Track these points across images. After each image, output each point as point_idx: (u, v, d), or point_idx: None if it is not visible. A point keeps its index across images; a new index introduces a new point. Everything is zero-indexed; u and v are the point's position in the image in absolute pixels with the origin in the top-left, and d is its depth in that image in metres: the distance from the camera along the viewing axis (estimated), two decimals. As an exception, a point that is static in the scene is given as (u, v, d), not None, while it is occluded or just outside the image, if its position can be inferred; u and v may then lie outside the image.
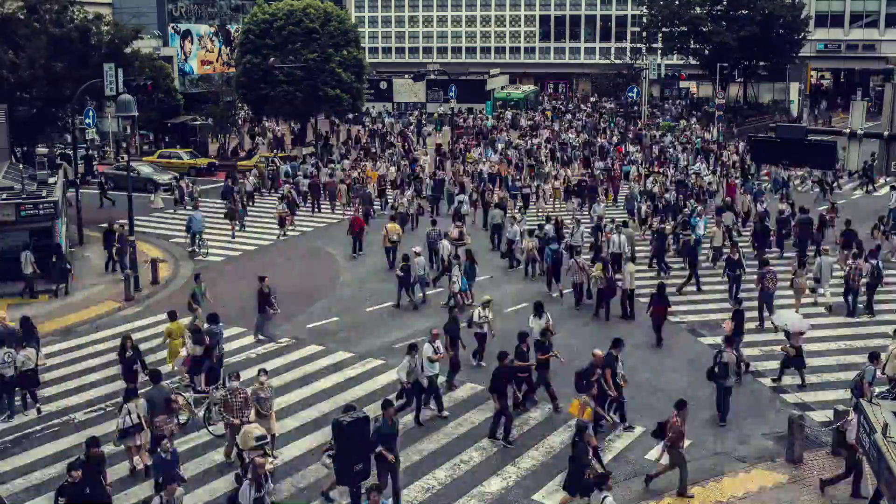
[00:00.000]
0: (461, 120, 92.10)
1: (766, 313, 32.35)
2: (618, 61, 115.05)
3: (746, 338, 31.11)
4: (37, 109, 52.16)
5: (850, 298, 34.14)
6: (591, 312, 34.28)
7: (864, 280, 34.17)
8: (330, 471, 19.46)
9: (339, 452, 16.96)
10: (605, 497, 17.65)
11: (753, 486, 21.27)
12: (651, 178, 57.02)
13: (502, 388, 23.76)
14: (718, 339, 30.98)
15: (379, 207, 53.84)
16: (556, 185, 55.71)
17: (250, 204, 54.32)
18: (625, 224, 40.72)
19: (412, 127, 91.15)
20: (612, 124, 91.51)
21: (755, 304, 32.96)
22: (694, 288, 37.44)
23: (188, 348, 27.01)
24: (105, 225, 42.72)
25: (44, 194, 39.20)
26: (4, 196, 38.52)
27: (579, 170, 65.12)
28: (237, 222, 48.84)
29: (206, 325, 27.60)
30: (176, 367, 27.60)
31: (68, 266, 37.61)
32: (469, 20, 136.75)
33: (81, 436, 23.97)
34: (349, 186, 55.66)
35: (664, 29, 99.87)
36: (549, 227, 40.05)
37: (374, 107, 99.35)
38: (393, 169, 61.33)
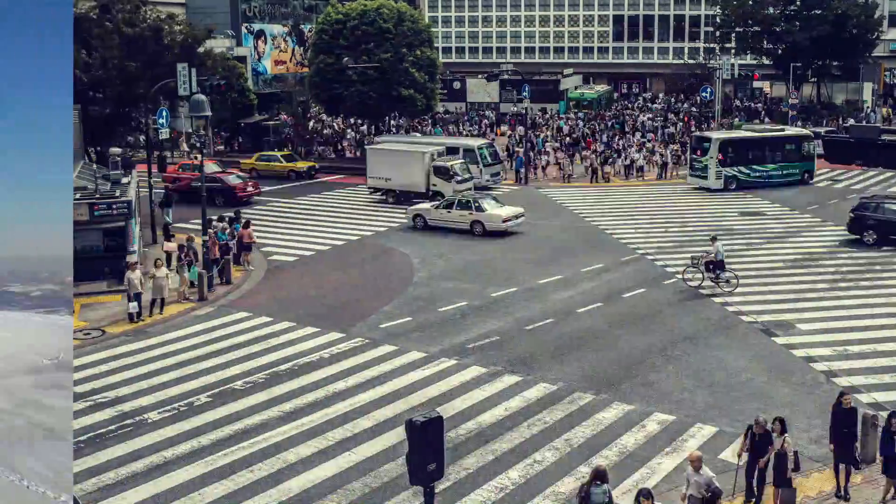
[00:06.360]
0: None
1: None
2: (691, 61, 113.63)
3: (821, 337, 30.84)
4: (110, 109, 52.32)
5: None
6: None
7: None
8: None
9: (412, 452, 16.59)
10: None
11: (827, 486, 20.82)
12: None
13: None
14: (792, 339, 30.36)
15: None
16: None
17: None
18: None
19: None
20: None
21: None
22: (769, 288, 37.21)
23: None
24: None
25: (117, 194, 39.24)
26: (78, 196, 38.54)
27: None
28: None
29: None
30: None
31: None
32: (542, 20, 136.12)
33: (154, 436, 23.90)
34: None
35: (737, 29, 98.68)
36: None
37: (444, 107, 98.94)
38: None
